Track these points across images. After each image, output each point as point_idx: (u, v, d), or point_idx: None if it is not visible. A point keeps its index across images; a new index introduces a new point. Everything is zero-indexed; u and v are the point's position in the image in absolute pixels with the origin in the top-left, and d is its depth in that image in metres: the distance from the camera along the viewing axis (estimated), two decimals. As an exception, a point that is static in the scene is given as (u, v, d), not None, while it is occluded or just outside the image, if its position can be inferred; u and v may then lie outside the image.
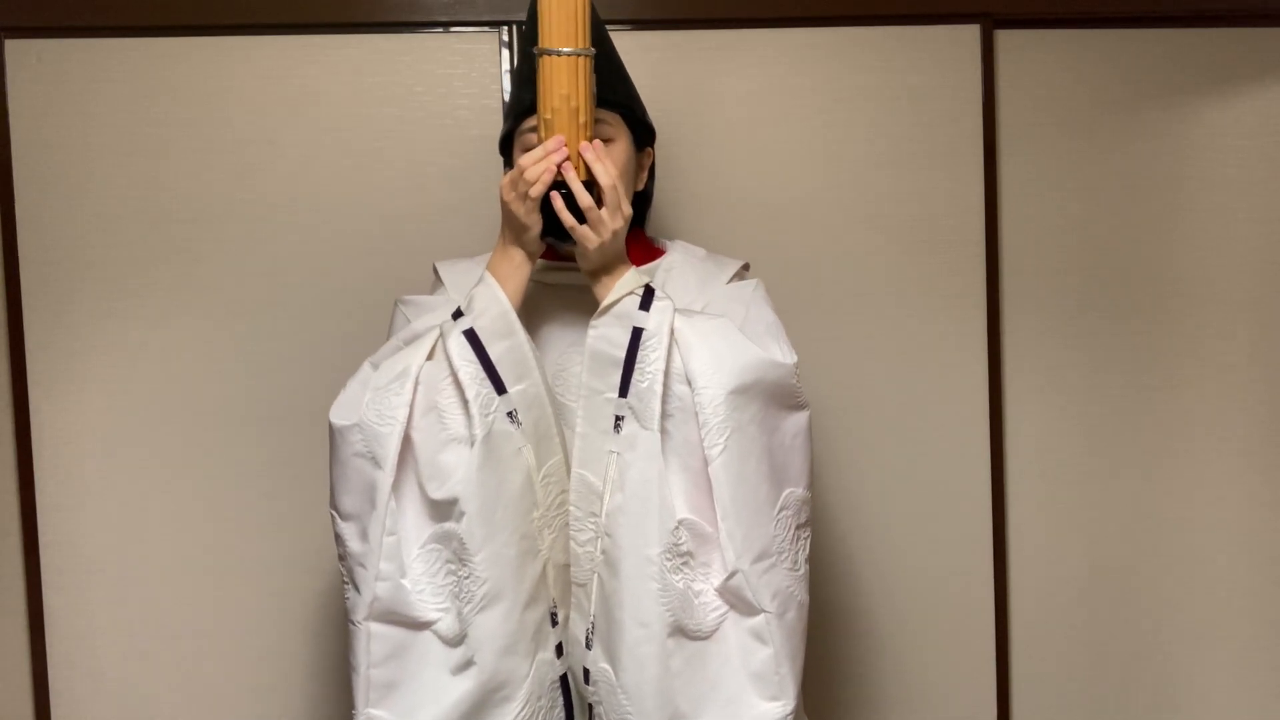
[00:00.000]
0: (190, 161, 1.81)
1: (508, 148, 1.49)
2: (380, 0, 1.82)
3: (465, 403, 1.32)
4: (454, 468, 1.32)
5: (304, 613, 1.86)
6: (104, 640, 1.84)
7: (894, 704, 1.95)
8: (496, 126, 1.83)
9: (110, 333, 1.82)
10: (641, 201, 1.53)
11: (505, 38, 1.83)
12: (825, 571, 1.91)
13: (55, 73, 1.79)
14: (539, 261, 1.46)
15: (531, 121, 1.39)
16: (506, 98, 1.83)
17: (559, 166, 1.31)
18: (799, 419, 1.39)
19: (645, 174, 1.52)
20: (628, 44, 1.80)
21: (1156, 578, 1.98)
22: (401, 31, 1.83)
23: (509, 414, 1.32)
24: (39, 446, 1.82)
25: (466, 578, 1.31)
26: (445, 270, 1.52)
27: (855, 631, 1.93)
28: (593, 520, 1.34)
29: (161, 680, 1.85)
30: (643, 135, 1.49)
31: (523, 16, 1.81)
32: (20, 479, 1.82)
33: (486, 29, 1.83)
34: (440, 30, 1.83)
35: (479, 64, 1.83)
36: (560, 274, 1.47)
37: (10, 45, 1.79)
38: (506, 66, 1.83)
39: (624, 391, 1.32)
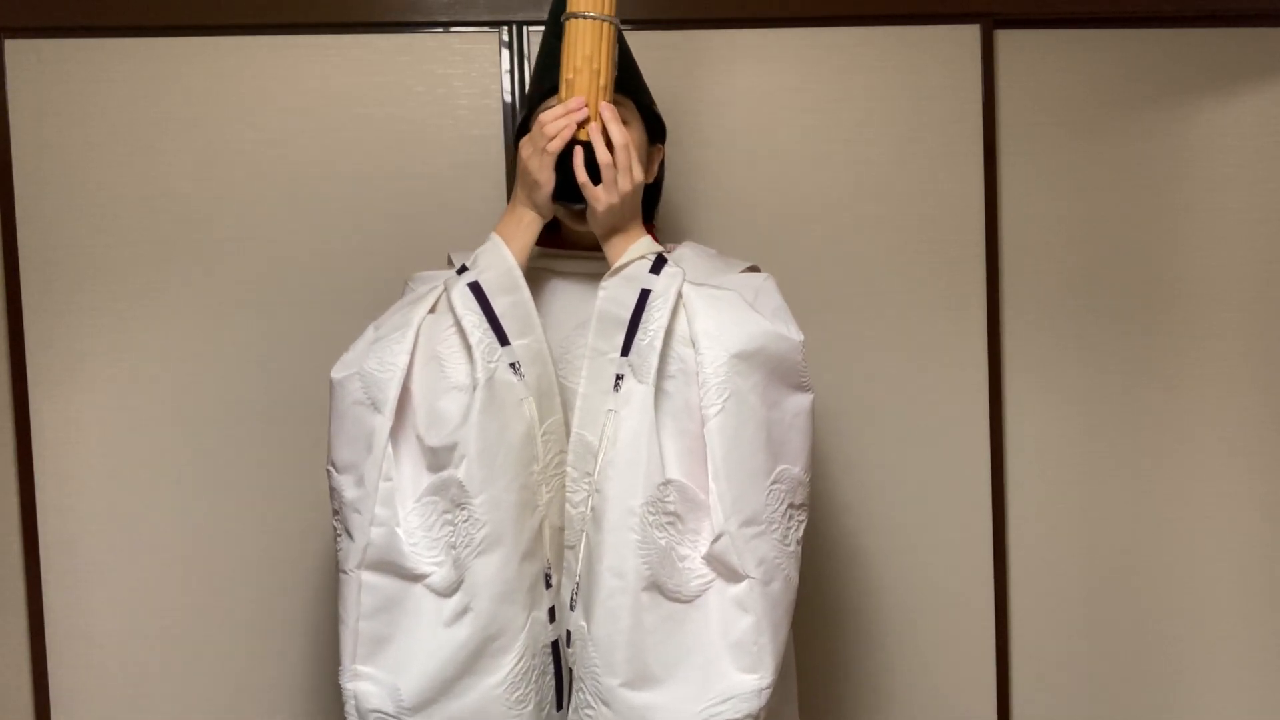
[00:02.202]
0: (190, 161, 1.81)
1: (526, 131, 1.49)
2: (380, 0, 1.82)
3: (468, 349, 1.32)
4: (453, 414, 1.31)
5: (305, 612, 1.86)
6: (104, 640, 1.84)
7: (894, 704, 1.95)
8: (497, 126, 1.83)
9: (110, 333, 1.82)
10: (651, 196, 1.54)
11: (505, 38, 1.83)
12: (825, 571, 1.91)
13: (55, 73, 1.79)
14: (543, 250, 1.48)
15: (553, 100, 1.41)
16: (506, 97, 1.83)
17: (580, 125, 1.33)
18: (801, 400, 1.38)
19: (656, 168, 1.53)
20: (629, 43, 1.80)
21: (1157, 578, 1.98)
22: (401, 31, 1.83)
23: (512, 365, 1.33)
24: (39, 446, 1.82)
25: (465, 522, 1.30)
26: (458, 258, 1.52)
27: (855, 631, 1.93)
28: (587, 480, 1.34)
29: (162, 680, 1.85)
30: (654, 129, 1.51)
31: (522, 16, 1.82)
32: (20, 479, 1.82)
33: (486, 29, 1.83)
34: (440, 30, 1.83)
35: (479, 64, 1.83)
36: (568, 261, 1.48)
37: (10, 45, 1.79)
38: (506, 66, 1.83)
39: (626, 351, 1.33)
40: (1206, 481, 1.98)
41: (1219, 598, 1.99)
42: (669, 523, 1.29)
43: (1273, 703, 2.00)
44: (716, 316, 1.32)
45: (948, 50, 1.89)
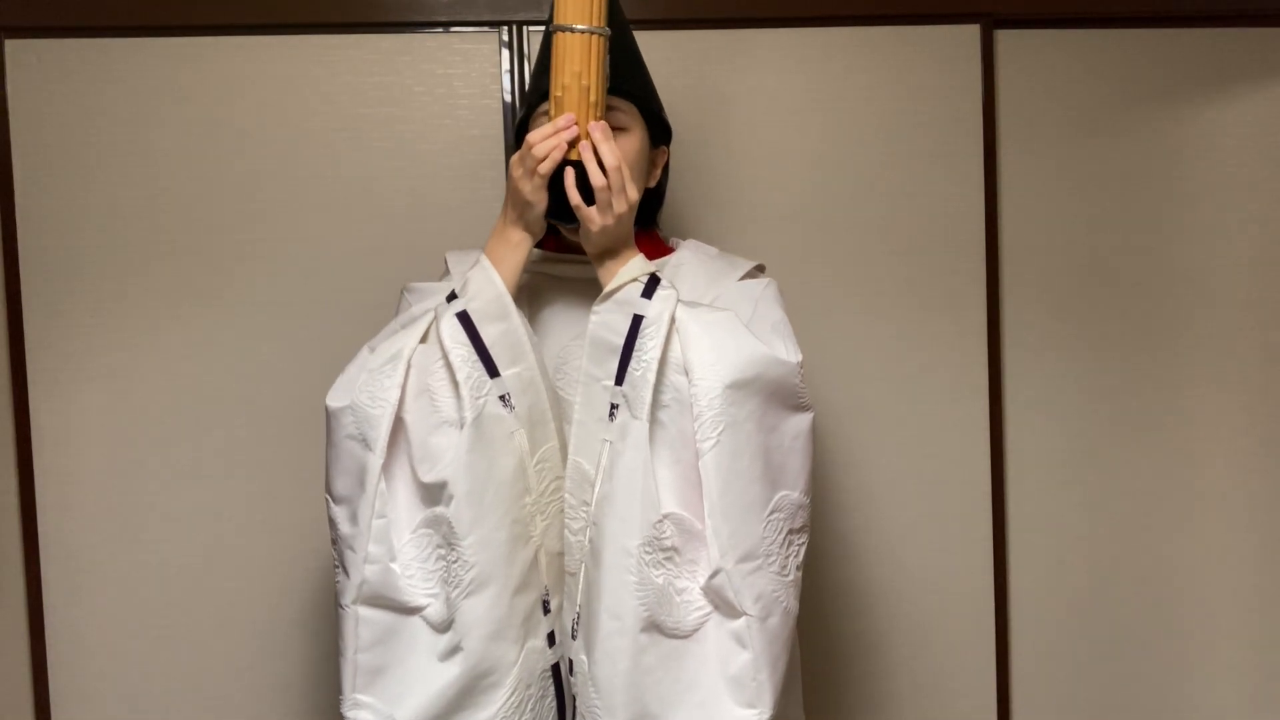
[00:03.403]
0: (190, 161, 1.81)
1: (523, 134, 1.46)
2: (380, 0, 1.82)
3: (456, 385, 1.31)
4: (444, 451, 1.30)
5: (304, 613, 1.86)
6: (104, 640, 1.84)
7: (894, 704, 1.95)
8: (497, 126, 1.84)
9: (110, 333, 1.82)
10: (653, 199, 1.52)
11: (505, 38, 1.83)
12: (825, 573, 1.91)
13: (55, 73, 1.79)
14: (544, 253, 1.46)
15: (546, 106, 1.37)
16: (506, 97, 1.83)
17: (571, 144, 1.30)
18: (800, 420, 1.36)
19: (659, 171, 1.51)
20: (628, 44, 1.80)
21: (1157, 578, 1.98)
22: (401, 31, 1.83)
23: (501, 397, 1.31)
24: (39, 446, 1.82)
25: (455, 562, 1.29)
26: (454, 261, 1.51)
27: (855, 632, 1.93)
28: (585, 509, 1.32)
29: (161, 680, 1.85)
30: (658, 132, 1.49)
31: (522, 16, 1.82)
32: (20, 479, 1.82)
33: (486, 29, 1.83)
34: (440, 30, 1.83)
35: (479, 64, 1.83)
36: (566, 266, 1.46)
37: (10, 45, 1.79)
38: (506, 66, 1.83)
39: (620, 379, 1.30)
40: (1207, 481, 1.98)
41: (1219, 597, 1.99)
42: (666, 559, 1.28)
43: (1273, 704, 2.00)
44: (710, 343, 1.29)
45: (948, 50, 1.89)
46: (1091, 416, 1.96)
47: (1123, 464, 1.96)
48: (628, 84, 1.41)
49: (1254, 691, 2.00)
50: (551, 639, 1.35)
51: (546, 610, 1.35)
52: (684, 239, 1.56)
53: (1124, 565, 1.97)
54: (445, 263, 1.53)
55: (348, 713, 1.34)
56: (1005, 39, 1.91)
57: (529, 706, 1.33)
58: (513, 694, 1.31)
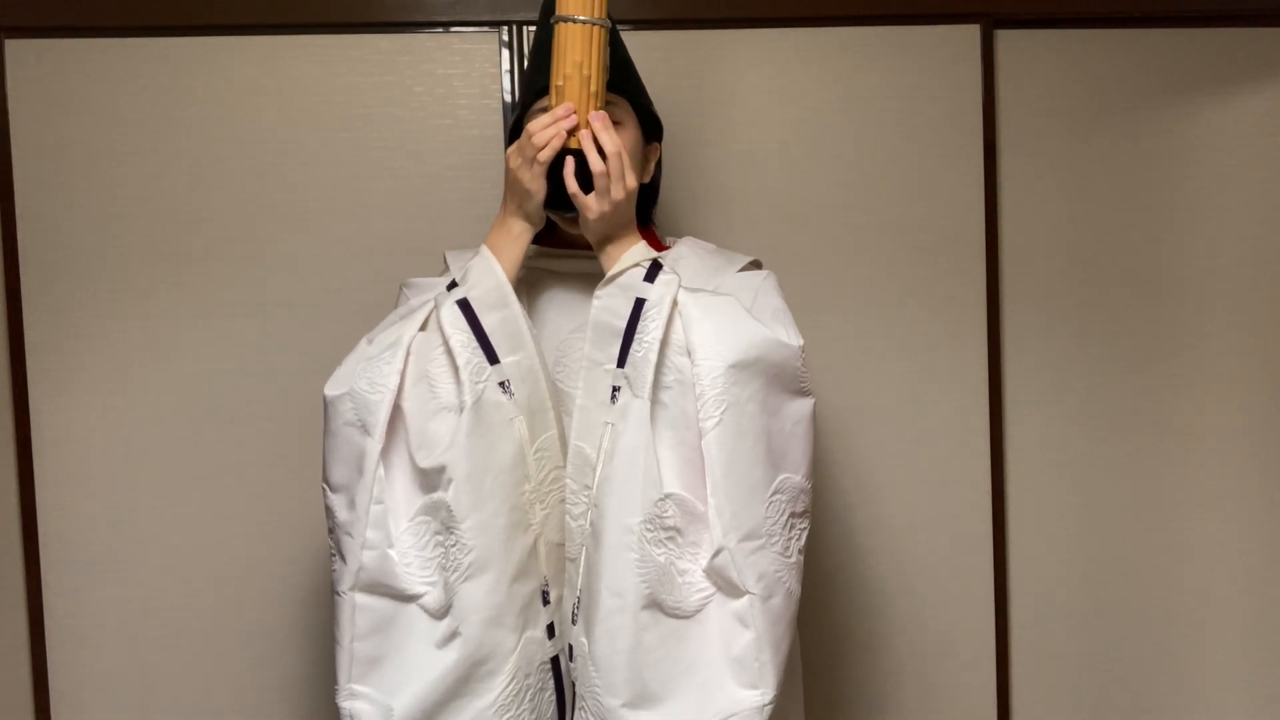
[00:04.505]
0: (190, 161, 1.81)
1: (518, 132, 1.48)
2: (380, 0, 1.82)
3: (456, 370, 1.31)
4: (443, 436, 1.30)
5: (304, 613, 1.86)
6: (104, 640, 1.84)
7: (894, 704, 1.94)
8: (497, 126, 1.84)
9: (110, 333, 1.82)
10: (647, 195, 1.53)
11: (505, 38, 1.83)
12: (824, 571, 1.91)
13: (55, 73, 1.79)
14: (540, 248, 1.46)
15: (545, 101, 1.38)
16: (506, 97, 1.83)
17: (570, 133, 1.31)
18: (802, 405, 1.36)
19: (652, 167, 1.52)
20: (627, 44, 1.80)
21: (1157, 577, 1.98)
22: (401, 31, 1.83)
23: (501, 384, 1.32)
24: (39, 446, 1.82)
25: (453, 546, 1.29)
26: (453, 259, 1.51)
27: (855, 631, 1.93)
28: (586, 493, 1.32)
29: (161, 680, 1.85)
30: (650, 127, 1.50)
31: (522, 16, 1.82)
32: (20, 479, 1.82)
33: (486, 29, 1.83)
34: (440, 30, 1.83)
35: (479, 64, 1.84)
36: (564, 260, 1.47)
37: (10, 45, 1.79)
38: (506, 66, 1.83)
39: (622, 362, 1.31)
40: (1207, 482, 1.98)
41: (1220, 597, 1.99)
42: (668, 538, 1.28)
43: (1273, 703, 2.00)
44: (712, 325, 1.30)
45: (948, 50, 1.89)
46: (1092, 416, 1.96)
47: (1123, 463, 1.96)
48: (620, 79, 1.43)
49: (1254, 691, 2.00)
50: (551, 631, 1.35)
51: (546, 601, 1.34)
52: (680, 238, 1.57)
53: (1124, 565, 1.97)
54: (444, 261, 1.53)
55: (343, 703, 1.33)
56: (1005, 39, 1.91)
57: (527, 697, 1.33)
58: (511, 682, 1.31)
